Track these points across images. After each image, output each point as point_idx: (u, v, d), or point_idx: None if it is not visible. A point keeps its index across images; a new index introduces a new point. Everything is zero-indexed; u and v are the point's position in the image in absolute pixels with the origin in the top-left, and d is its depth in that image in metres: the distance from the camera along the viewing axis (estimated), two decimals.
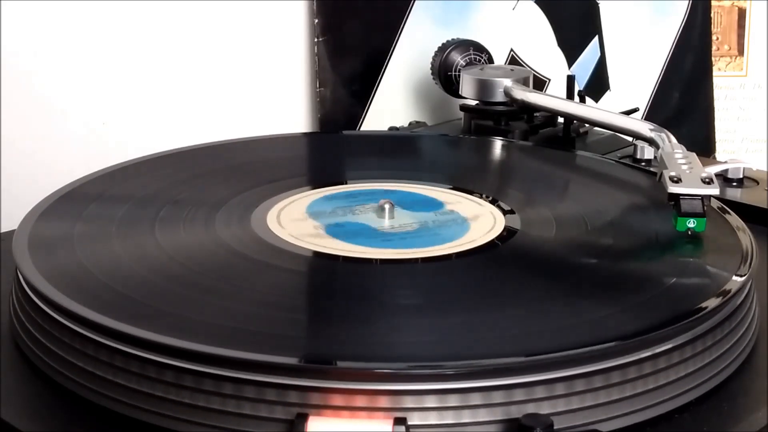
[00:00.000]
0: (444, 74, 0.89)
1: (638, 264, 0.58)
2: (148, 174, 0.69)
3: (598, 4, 1.01)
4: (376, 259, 0.56)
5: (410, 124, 0.89)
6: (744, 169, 0.74)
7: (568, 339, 0.48)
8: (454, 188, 0.67)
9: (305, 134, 0.94)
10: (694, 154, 0.64)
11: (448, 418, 0.45)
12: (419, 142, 0.82)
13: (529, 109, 0.83)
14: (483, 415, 0.45)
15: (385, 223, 0.61)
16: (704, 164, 0.63)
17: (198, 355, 0.46)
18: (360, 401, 0.44)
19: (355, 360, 0.47)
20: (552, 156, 0.76)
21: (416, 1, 0.97)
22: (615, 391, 0.47)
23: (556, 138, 0.83)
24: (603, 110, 0.77)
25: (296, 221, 0.62)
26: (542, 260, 0.58)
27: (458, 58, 0.88)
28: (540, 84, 1.00)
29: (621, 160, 0.75)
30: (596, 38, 1.02)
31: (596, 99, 1.02)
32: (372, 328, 0.50)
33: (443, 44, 0.90)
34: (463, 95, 0.85)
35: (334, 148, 0.81)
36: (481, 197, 0.66)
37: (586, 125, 0.83)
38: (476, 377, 0.45)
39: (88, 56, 0.93)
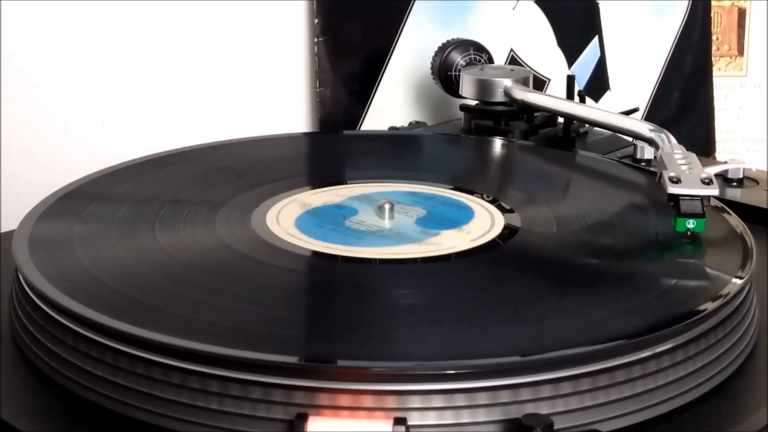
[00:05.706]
0: (444, 74, 0.89)
1: (637, 264, 0.58)
2: (148, 174, 0.69)
3: (598, 4, 1.01)
4: (375, 259, 0.56)
5: (410, 124, 0.89)
6: (744, 169, 0.74)
7: (568, 339, 0.48)
8: (455, 188, 0.67)
9: (305, 134, 0.94)
10: (694, 155, 0.64)
11: (448, 417, 0.45)
12: (419, 141, 0.82)
13: (529, 109, 0.83)
14: (483, 415, 0.45)
15: (384, 223, 0.61)
16: (704, 164, 0.63)
17: (197, 355, 0.46)
18: (360, 401, 0.44)
19: (356, 360, 0.47)
20: (552, 156, 0.76)
21: (416, 1, 0.97)
22: (615, 391, 0.47)
23: (556, 138, 0.82)
24: (603, 110, 0.77)
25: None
26: (542, 260, 0.58)
27: (458, 58, 0.88)
28: (540, 84, 1.00)
29: (621, 160, 0.75)
30: (596, 38, 1.02)
31: (596, 99, 1.02)
32: (372, 328, 0.50)
33: (443, 44, 0.90)
34: (463, 95, 0.85)
35: (334, 148, 0.81)
36: (481, 197, 0.66)
37: (586, 125, 0.83)
38: (477, 377, 0.45)
39: (87, 56, 0.93)
